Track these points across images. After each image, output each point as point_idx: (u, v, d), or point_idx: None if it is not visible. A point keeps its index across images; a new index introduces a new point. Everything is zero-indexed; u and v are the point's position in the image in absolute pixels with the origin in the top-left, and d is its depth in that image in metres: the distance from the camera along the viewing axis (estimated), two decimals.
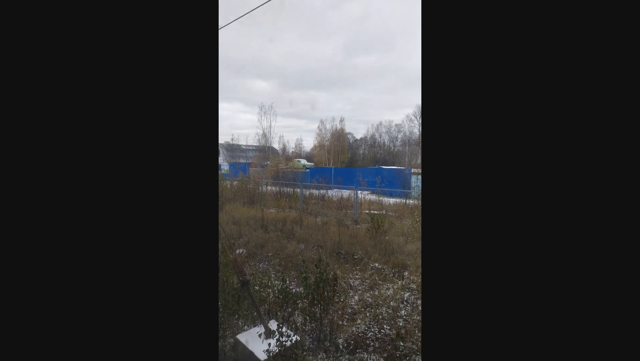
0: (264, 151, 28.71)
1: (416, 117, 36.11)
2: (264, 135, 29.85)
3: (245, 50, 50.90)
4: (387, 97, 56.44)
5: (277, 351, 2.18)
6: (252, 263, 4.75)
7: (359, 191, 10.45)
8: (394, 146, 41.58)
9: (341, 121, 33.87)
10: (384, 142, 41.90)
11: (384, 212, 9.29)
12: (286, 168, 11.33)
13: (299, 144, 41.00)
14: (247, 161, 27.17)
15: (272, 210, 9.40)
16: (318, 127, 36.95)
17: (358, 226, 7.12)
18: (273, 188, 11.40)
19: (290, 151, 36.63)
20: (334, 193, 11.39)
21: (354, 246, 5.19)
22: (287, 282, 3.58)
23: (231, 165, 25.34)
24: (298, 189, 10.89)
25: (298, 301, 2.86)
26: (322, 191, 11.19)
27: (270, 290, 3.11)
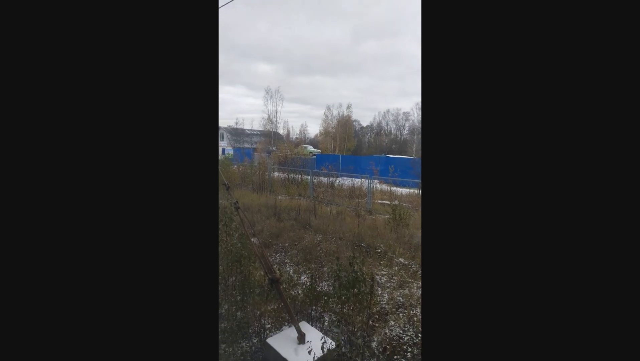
0: (269, 136, 28.28)
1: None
2: (269, 120, 29.26)
3: (250, 32, 49.64)
4: (395, 84, 55.27)
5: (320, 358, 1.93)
6: (268, 254, 4.50)
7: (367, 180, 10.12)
8: (401, 135, 41.05)
9: (348, 107, 32.93)
10: (391, 130, 41.29)
11: (396, 202, 9.02)
12: (294, 154, 10.99)
13: (303, 130, 40.43)
14: (252, 146, 26.77)
15: (281, 197, 9.15)
16: (324, 113, 35.97)
17: (373, 217, 6.86)
18: (281, 174, 11.13)
19: (294, 137, 36.11)
20: (342, 181, 11.08)
21: (375, 238, 4.93)
22: (309, 276, 3.34)
23: (235, 150, 24.96)
24: (306, 176, 10.62)
25: (330, 302, 2.60)
26: (330, 179, 10.90)
27: (298, 288, 2.86)
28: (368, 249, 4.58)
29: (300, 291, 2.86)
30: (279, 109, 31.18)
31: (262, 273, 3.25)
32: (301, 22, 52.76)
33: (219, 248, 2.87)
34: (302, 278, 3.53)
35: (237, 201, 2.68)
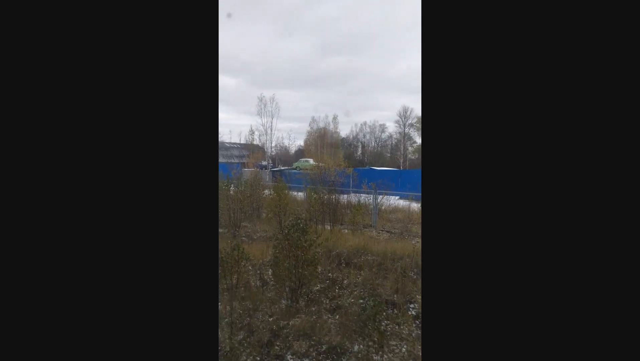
0: (252, 149, 25.57)
1: (402, 118, 36.20)
2: (264, 132, 26.27)
3: None
4: (356, 98, 55.46)
5: None
6: None
7: (379, 196, 8.39)
8: (379, 147, 40.96)
9: (334, 119, 31.37)
10: (370, 142, 40.91)
11: None
12: (335, 170, 9.05)
13: (279, 143, 38.01)
14: (232, 161, 23.77)
15: (343, 228, 7.08)
16: (309, 124, 33.89)
17: None
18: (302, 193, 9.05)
19: (271, 150, 33.56)
20: (369, 199, 9.26)
21: None
22: None
23: (220, 165, 21.84)
24: (345, 197, 8.70)
25: None
26: (368, 198, 9.01)
27: None
28: None
29: None
30: (275, 122, 28.17)
31: None
32: (266, 35, 51.09)
33: None
34: None
35: None
